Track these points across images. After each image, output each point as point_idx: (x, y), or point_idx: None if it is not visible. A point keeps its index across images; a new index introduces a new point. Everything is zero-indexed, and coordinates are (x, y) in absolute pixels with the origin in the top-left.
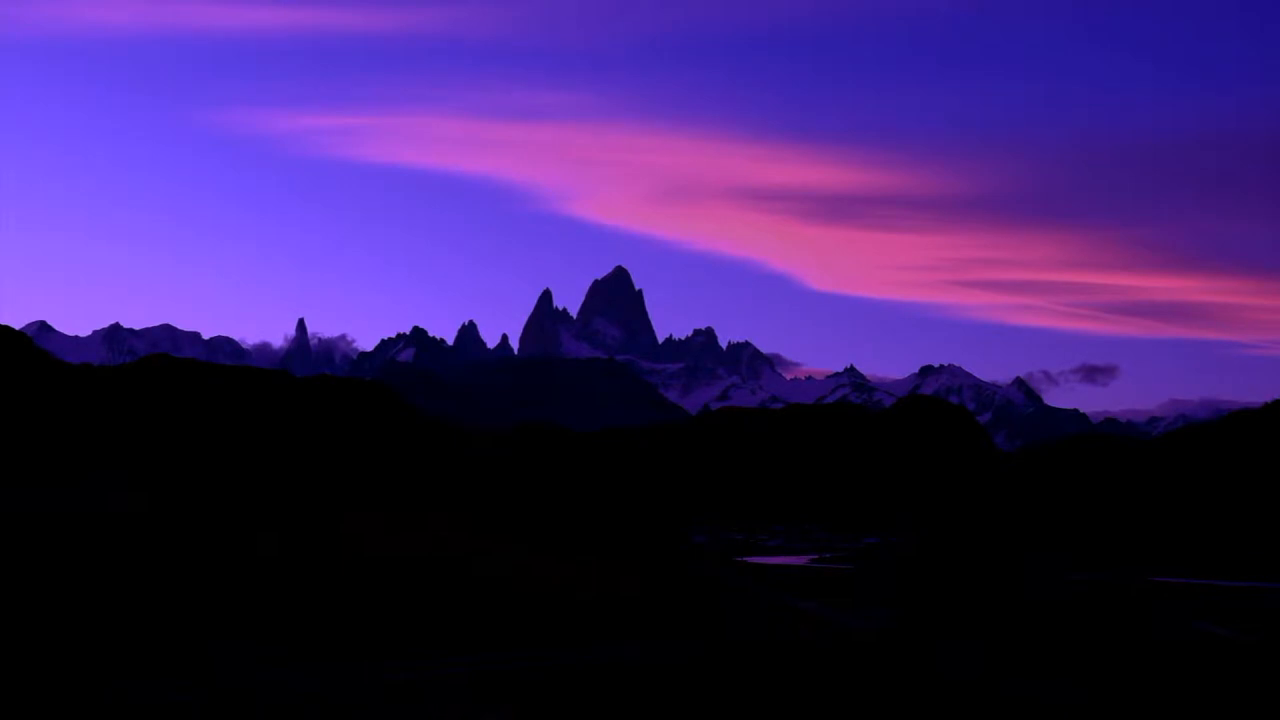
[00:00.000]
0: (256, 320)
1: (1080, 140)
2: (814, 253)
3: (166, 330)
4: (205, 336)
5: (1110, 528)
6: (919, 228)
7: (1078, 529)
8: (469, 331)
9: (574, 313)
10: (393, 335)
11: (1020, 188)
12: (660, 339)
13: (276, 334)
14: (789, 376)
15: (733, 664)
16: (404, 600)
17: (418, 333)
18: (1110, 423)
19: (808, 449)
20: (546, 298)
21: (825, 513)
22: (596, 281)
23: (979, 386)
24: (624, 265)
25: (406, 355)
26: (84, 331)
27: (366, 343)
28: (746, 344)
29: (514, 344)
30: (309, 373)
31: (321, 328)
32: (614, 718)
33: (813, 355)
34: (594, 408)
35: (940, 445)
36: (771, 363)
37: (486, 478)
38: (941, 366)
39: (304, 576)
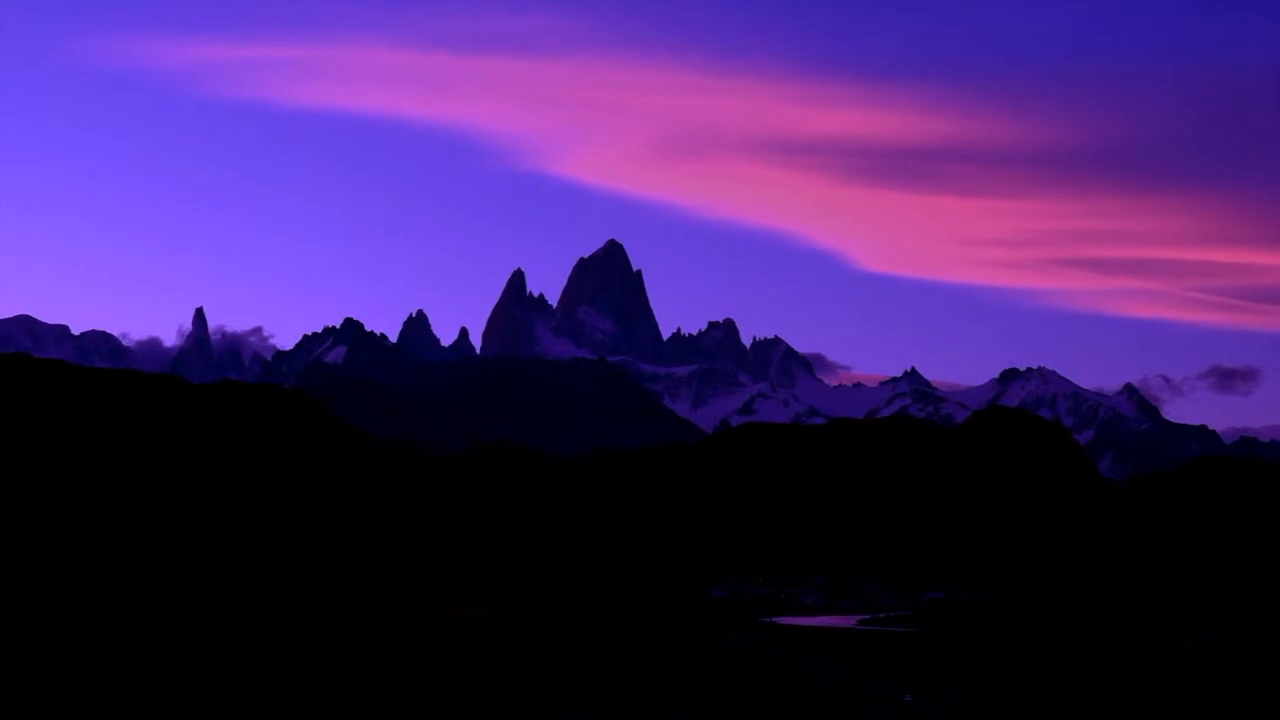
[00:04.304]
0: (141, 311)
1: (1212, 79)
2: (864, 224)
3: (24, 323)
4: (75, 331)
5: (1253, 576)
6: (1000, 191)
7: (1208, 579)
8: (417, 325)
9: (553, 300)
10: (319, 330)
11: (1134, 139)
12: (665, 334)
13: (167, 328)
14: (832, 383)
15: None
16: (331, 670)
17: (351, 326)
18: (1247, 442)
19: (856, 477)
20: (518, 281)
21: (878, 560)
22: (582, 260)
23: (1078, 396)
24: (618, 239)
25: (336, 355)
26: None
27: (285, 339)
28: (777, 341)
29: (475, 341)
30: (209, 377)
31: (226, 319)
32: None
33: (863, 356)
34: (579, 423)
35: (1028, 471)
36: (810, 365)
37: (439, 513)
38: (1029, 370)
39: (193, 631)
